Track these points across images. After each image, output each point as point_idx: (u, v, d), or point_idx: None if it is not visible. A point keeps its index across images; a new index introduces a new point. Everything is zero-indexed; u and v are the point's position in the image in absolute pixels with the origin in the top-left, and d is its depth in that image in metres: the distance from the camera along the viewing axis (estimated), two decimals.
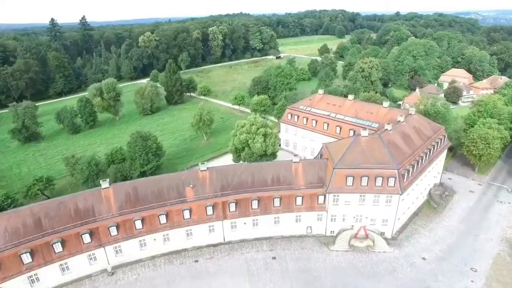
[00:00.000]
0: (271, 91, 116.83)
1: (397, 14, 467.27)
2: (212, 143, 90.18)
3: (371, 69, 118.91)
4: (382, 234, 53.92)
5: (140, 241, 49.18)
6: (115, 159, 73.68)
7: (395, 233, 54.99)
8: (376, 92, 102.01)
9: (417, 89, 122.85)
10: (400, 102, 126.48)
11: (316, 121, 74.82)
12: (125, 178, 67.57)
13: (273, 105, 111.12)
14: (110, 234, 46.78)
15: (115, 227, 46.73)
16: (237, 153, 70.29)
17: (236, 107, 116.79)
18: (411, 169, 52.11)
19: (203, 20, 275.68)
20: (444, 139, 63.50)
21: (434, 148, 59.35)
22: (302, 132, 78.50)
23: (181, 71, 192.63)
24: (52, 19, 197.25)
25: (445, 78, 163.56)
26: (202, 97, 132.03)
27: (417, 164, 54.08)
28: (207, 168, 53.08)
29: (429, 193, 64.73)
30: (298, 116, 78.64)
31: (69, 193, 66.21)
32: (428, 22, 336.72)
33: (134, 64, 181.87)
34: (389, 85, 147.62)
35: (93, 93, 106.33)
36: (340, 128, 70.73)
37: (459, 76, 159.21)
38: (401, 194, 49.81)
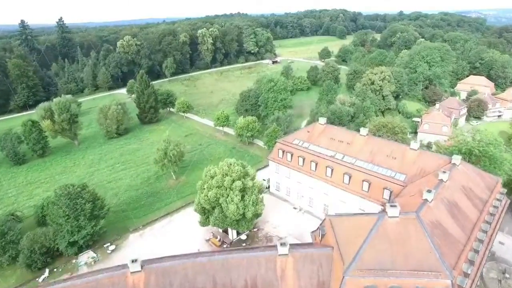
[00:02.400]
0: (261, 108, 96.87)
1: (401, 13, 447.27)
2: (182, 184, 70.20)
3: (382, 81, 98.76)
4: None
5: None
6: (47, 215, 53.61)
7: None
8: (391, 113, 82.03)
9: (437, 105, 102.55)
10: (417, 120, 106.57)
11: (316, 164, 54.79)
12: (46, 252, 47.94)
13: (264, 125, 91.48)
14: None
15: None
16: (205, 214, 50.46)
17: (220, 127, 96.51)
18: (469, 269, 32.17)
19: (192, 21, 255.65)
20: (504, 200, 43.49)
21: (493, 218, 39.38)
22: (297, 175, 58.57)
23: (166, 79, 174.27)
24: (22, 21, 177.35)
25: (463, 87, 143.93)
26: (182, 114, 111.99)
27: (476, 255, 34.11)
28: (142, 267, 33.14)
29: (481, 275, 44.68)
30: (291, 154, 58.62)
31: None
32: (435, 22, 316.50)
33: (111, 72, 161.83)
34: (400, 96, 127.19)
35: (42, 115, 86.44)
36: (350, 177, 50.72)
37: (480, 84, 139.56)
38: None
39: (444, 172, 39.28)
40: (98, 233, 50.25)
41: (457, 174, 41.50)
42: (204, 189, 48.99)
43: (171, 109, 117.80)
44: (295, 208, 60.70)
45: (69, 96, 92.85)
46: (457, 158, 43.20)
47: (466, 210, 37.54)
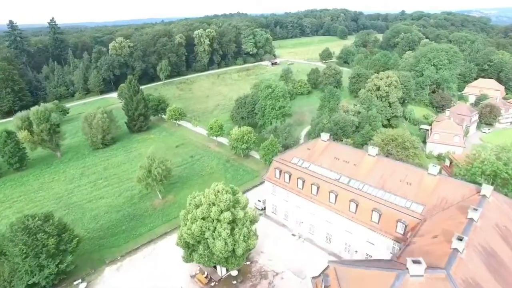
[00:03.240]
0: (258, 116, 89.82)
1: (403, 13, 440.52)
2: (169, 205, 63.12)
3: (388, 86, 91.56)
4: None
5: None
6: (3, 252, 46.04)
7: None
8: (397, 120, 74.93)
9: (448, 112, 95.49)
10: (425, 128, 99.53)
11: (318, 188, 47.76)
12: None
13: (260, 135, 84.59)
14: None
15: None
16: (189, 249, 43.47)
17: (214, 136, 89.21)
18: None
19: (189, 22, 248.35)
20: None
21: None
22: (296, 199, 51.54)
23: (161, 82, 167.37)
24: (11, 21, 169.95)
25: (471, 90, 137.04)
26: (174, 121, 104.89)
27: None
28: None
29: None
30: (290, 175, 51.61)
31: None
32: (438, 22, 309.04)
33: (103, 75, 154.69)
34: (406, 101, 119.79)
35: (19, 125, 79.52)
36: (357, 205, 43.66)
37: (489, 88, 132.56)
38: None
39: (475, 209, 32.17)
40: (64, 271, 43.20)
41: (489, 210, 34.45)
42: (188, 220, 42.02)
43: (163, 116, 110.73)
44: (294, 235, 53.67)
45: (49, 105, 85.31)
46: (487, 189, 36.06)
47: (505, 258, 30.49)
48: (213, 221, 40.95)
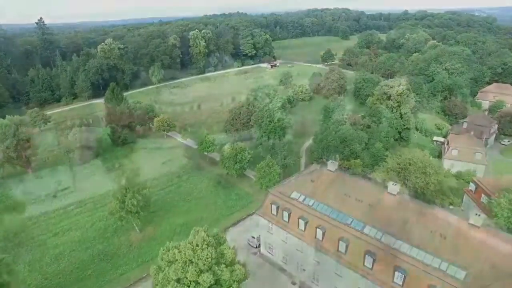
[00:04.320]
0: (255, 129, 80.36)
1: (406, 13, 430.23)
2: (148, 240, 53.68)
3: (400, 95, 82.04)
4: None
5: None
6: None
7: None
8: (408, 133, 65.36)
9: (465, 124, 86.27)
10: (439, 140, 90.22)
11: (324, 232, 38.39)
12: None
13: (257, 151, 75.25)
14: None
15: None
16: None
17: (205, 152, 79.87)
18: None
19: (184, 22, 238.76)
20: None
21: None
22: (296, 242, 42.12)
23: (154, 86, 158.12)
24: None
25: (484, 96, 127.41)
26: (163, 132, 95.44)
27: None
28: None
29: None
30: (289, 213, 42.22)
31: None
32: (444, 22, 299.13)
33: (91, 78, 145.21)
34: (415, 109, 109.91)
35: None
36: (374, 260, 34.25)
37: (505, 93, 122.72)
38: None
39: None
40: None
41: None
42: (159, 281, 32.70)
43: (152, 125, 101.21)
44: (294, 283, 44.29)
45: (17, 117, 75.28)
46: None
47: None
48: (190, 284, 31.69)
